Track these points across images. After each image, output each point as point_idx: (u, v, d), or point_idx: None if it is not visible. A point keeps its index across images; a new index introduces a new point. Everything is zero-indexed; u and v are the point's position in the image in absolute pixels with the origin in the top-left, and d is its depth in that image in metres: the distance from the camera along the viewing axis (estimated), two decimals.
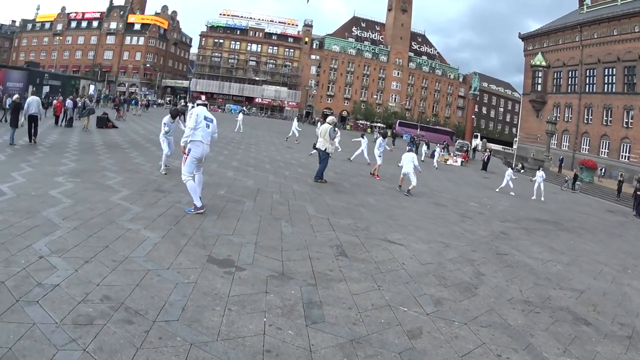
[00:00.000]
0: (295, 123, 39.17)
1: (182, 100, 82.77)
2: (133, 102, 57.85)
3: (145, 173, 14.28)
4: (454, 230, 12.15)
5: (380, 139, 23.63)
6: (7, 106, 27.85)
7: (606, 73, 66.87)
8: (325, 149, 17.08)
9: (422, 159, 39.98)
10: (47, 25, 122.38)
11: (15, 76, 49.53)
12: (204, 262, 6.80)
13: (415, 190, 18.36)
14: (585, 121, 70.13)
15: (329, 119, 18.14)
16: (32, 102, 20.30)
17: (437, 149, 42.92)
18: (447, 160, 46.37)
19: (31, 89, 23.89)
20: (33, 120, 19.81)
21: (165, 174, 14.36)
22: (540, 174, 27.76)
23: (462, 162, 47.53)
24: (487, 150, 51.59)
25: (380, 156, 22.84)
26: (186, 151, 9.57)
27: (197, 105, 10.44)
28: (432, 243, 9.98)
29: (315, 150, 17.77)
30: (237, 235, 8.48)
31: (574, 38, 72.96)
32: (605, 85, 66.90)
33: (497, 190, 26.85)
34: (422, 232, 11.05)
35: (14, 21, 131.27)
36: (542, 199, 26.70)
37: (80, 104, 32.43)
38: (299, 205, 12.29)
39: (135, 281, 5.73)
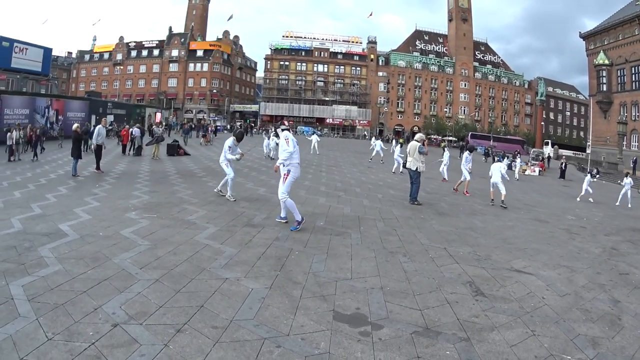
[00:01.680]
0: (379, 142, 38.28)
1: (239, 123, 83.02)
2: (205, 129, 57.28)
3: (230, 204, 12.95)
4: (570, 250, 11.04)
5: (466, 154, 22.07)
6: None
7: None
8: (417, 168, 16.04)
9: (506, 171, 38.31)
10: (106, 56, 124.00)
11: (76, 106, 50.34)
12: (331, 321, 5.46)
13: (511, 205, 17.66)
14: None
15: (417, 136, 17.00)
16: (102, 131, 20.33)
17: (518, 160, 40.88)
18: (526, 170, 44.58)
19: (94, 118, 23.08)
20: (99, 149, 19.85)
21: (234, 200, 13.43)
22: (628, 180, 26.31)
23: (539, 171, 46.11)
24: (563, 157, 49.70)
25: (470, 172, 21.49)
26: (285, 172, 10.03)
27: (282, 130, 10.72)
28: (557, 269, 8.96)
29: (402, 169, 16.31)
30: (357, 279, 7.11)
31: (633, 32, 69.94)
32: None
33: (578, 199, 25.43)
34: (542, 256, 10.00)
35: (70, 52, 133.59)
36: (629, 205, 25.28)
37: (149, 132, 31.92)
38: (408, 233, 10.88)
39: (251, 358, 4.41)
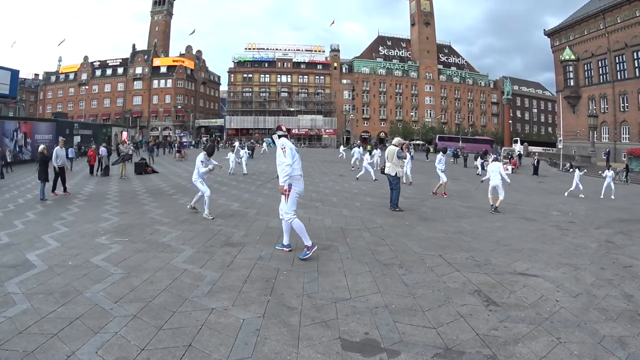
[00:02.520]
0: (358, 149, 38.04)
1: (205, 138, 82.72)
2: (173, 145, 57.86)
3: (205, 222, 12.24)
4: (566, 247, 10.81)
5: (440, 155, 22.16)
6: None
7: (635, 57, 65.98)
8: (396, 174, 15.65)
9: (480, 171, 39.49)
10: (72, 76, 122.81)
11: (43, 128, 50.05)
12: (340, 352, 4.77)
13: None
14: (622, 109, 68.99)
15: (395, 140, 16.49)
16: (60, 153, 19.94)
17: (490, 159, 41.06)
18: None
19: (60, 139, 22.52)
20: (61, 171, 19.55)
21: (212, 218, 12.71)
22: (610, 173, 26.75)
23: (512, 169, 46.11)
24: (535, 154, 50.05)
25: (443, 172, 21.31)
26: (286, 187, 8.64)
27: (279, 136, 9.06)
28: (561, 268, 8.67)
29: (375, 177, 15.73)
30: (357, 298, 6.46)
31: (598, 26, 71.95)
32: (637, 70, 66.05)
33: (566, 194, 25.83)
34: (541, 255, 9.71)
35: (36, 74, 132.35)
36: (613, 197, 25.66)
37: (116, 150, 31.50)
38: (398, 242, 10.32)
39: None
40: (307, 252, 8.44)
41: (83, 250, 8.83)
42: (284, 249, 9.09)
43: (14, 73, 55.85)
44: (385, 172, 15.83)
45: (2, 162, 29.44)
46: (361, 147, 41.00)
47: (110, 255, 8.37)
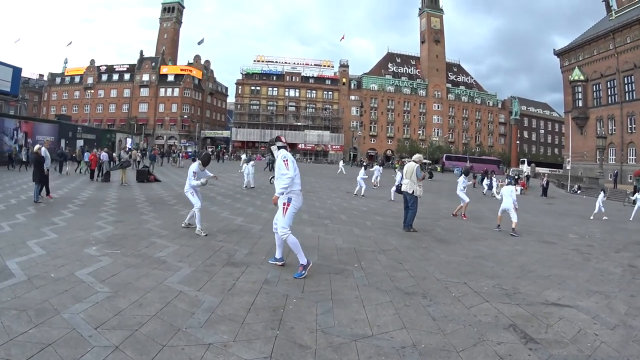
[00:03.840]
0: (379, 167, 37.34)
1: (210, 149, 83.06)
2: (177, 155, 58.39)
3: (206, 237, 11.30)
4: (592, 273, 10.35)
5: (462, 178, 21.29)
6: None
7: None
8: (413, 192, 14.72)
9: (486, 191, 39.17)
10: (77, 79, 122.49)
11: (46, 129, 49.83)
12: None
13: (508, 227, 16.23)
14: (629, 131, 68.48)
15: (415, 156, 15.58)
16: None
17: (494, 179, 41.71)
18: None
19: (64, 142, 21.79)
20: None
21: (206, 235, 11.50)
22: (601, 195, 26.55)
23: (521, 190, 45.35)
24: (544, 175, 49.87)
25: (465, 193, 20.52)
26: (285, 201, 8.15)
27: (279, 147, 8.65)
28: (591, 296, 8.16)
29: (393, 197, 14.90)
30: (380, 335, 5.56)
31: (607, 46, 71.70)
32: None
33: (592, 217, 24.99)
34: (569, 283, 9.16)
35: (41, 75, 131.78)
36: (605, 218, 25.06)
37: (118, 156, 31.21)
38: (417, 267, 9.46)
39: None
40: (303, 272, 7.93)
41: (69, 261, 8.02)
42: (277, 263, 8.65)
43: (16, 70, 55.41)
44: (402, 189, 15.04)
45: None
46: (381, 167, 40.07)
47: (98, 269, 7.53)
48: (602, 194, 27.32)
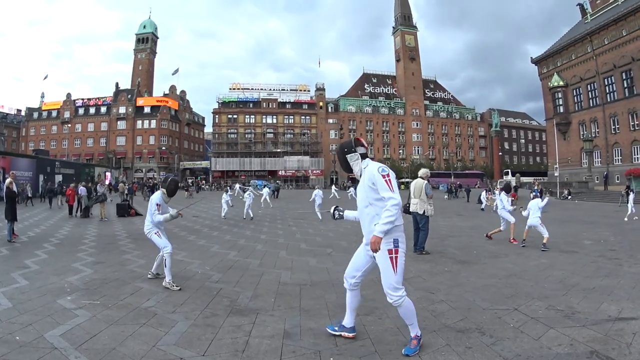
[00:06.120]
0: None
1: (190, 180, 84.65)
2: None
3: (200, 277, 9.77)
4: (634, 279, 9.84)
5: (503, 195, 17.68)
6: None
7: (624, 77, 66.15)
8: (424, 212, 13.43)
9: (482, 207, 37.91)
10: (55, 114, 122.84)
11: (23, 164, 49.33)
12: None
13: (518, 239, 15.75)
14: (613, 132, 69.25)
15: (421, 171, 14.09)
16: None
17: (483, 193, 41.71)
18: (495, 201, 43.75)
19: (42, 177, 20.55)
20: None
21: (180, 289, 8.49)
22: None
23: (512, 201, 43.99)
24: (537, 183, 50.15)
25: (510, 212, 17.16)
26: (392, 247, 5.40)
27: (362, 155, 5.71)
28: None
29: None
30: None
31: (585, 50, 72.59)
32: (626, 90, 66.23)
33: (626, 219, 25.22)
34: (618, 292, 8.57)
35: (19, 110, 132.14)
36: (636, 218, 25.48)
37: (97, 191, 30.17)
38: (455, 295, 8.25)
39: None
40: (417, 347, 5.24)
41: (39, 317, 6.50)
42: (346, 334, 5.76)
43: None
44: (411, 210, 13.57)
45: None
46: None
47: (73, 329, 5.99)
48: (632, 194, 27.64)
